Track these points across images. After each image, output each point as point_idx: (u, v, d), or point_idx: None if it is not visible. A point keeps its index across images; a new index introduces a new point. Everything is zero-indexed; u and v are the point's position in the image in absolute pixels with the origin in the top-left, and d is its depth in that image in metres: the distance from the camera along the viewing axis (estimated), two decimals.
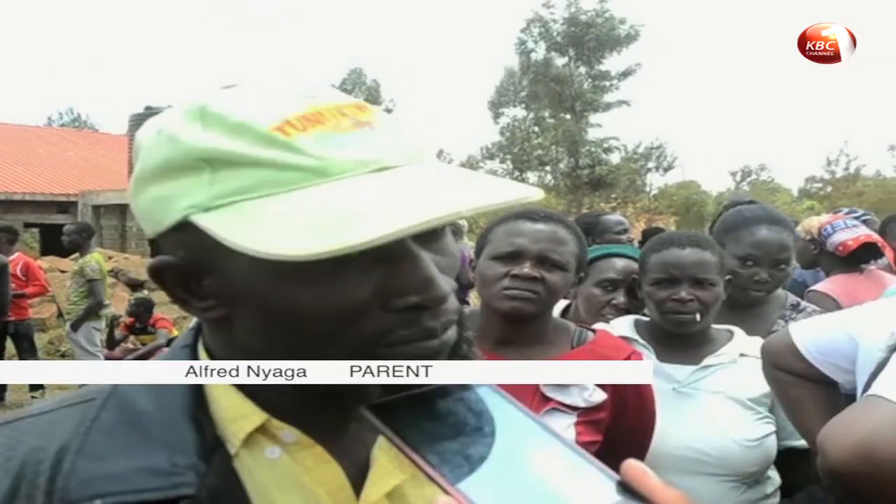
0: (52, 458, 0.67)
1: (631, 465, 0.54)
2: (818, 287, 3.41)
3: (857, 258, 3.44)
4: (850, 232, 3.48)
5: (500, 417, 0.61)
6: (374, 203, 0.59)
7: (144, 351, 8.32)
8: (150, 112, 17.72)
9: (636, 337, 2.05)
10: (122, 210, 18.54)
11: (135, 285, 12.47)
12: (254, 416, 0.70)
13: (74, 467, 0.66)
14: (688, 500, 0.53)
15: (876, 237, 3.51)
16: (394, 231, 0.55)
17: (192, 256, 0.67)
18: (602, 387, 1.66)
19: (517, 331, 1.71)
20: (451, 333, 0.68)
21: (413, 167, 0.65)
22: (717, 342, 2.03)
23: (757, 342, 2.04)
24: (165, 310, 10.18)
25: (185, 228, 0.64)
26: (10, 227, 8.41)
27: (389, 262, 0.64)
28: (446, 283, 0.67)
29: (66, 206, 19.99)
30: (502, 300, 1.66)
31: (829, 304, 3.11)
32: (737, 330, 2.09)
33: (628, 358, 1.72)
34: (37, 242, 19.73)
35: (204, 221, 0.61)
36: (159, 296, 10.41)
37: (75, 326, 7.58)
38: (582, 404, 1.63)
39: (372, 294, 0.64)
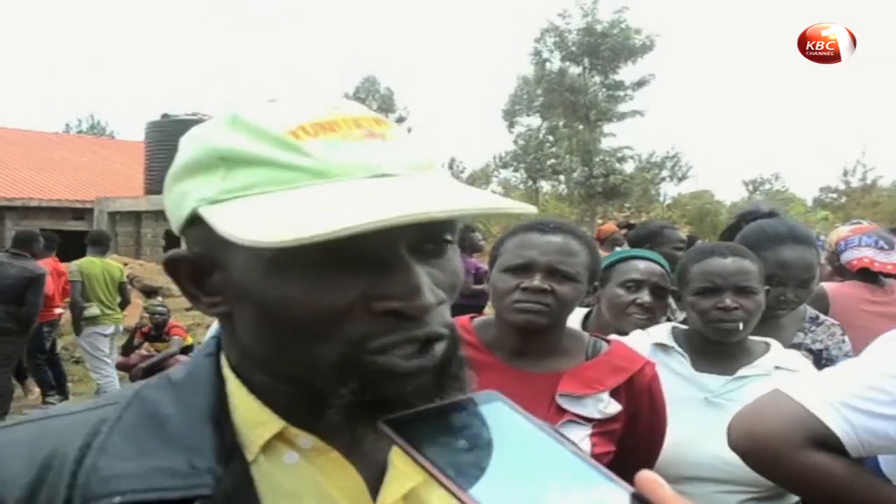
0: (76, 453, 0.69)
1: (644, 476, 0.54)
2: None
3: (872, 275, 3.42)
4: (857, 251, 3.43)
5: (514, 431, 0.61)
6: (360, 200, 0.61)
7: (159, 358, 8.39)
8: (166, 120, 17.91)
9: (673, 344, 2.06)
10: (137, 217, 18.63)
11: (149, 292, 12.52)
12: (272, 423, 0.72)
13: (96, 464, 0.68)
14: None
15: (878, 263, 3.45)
16: (350, 226, 0.56)
17: (203, 251, 0.71)
18: (617, 398, 1.67)
19: (531, 342, 1.71)
20: (440, 349, 0.68)
21: (412, 176, 0.67)
22: (754, 353, 2.03)
23: (793, 355, 2.05)
24: (180, 316, 10.24)
25: (198, 223, 0.68)
26: (33, 234, 8.53)
27: (379, 267, 0.66)
28: (433, 295, 0.67)
29: (81, 213, 20.13)
30: (514, 313, 1.67)
31: (822, 302, 3.12)
32: (773, 342, 2.08)
33: (643, 368, 1.73)
34: None
35: (205, 212, 0.66)
36: (173, 303, 10.48)
37: (76, 331, 7.87)
38: (597, 416, 1.64)
39: (357, 296, 0.66)
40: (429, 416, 0.63)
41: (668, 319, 2.87)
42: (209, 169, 0.68)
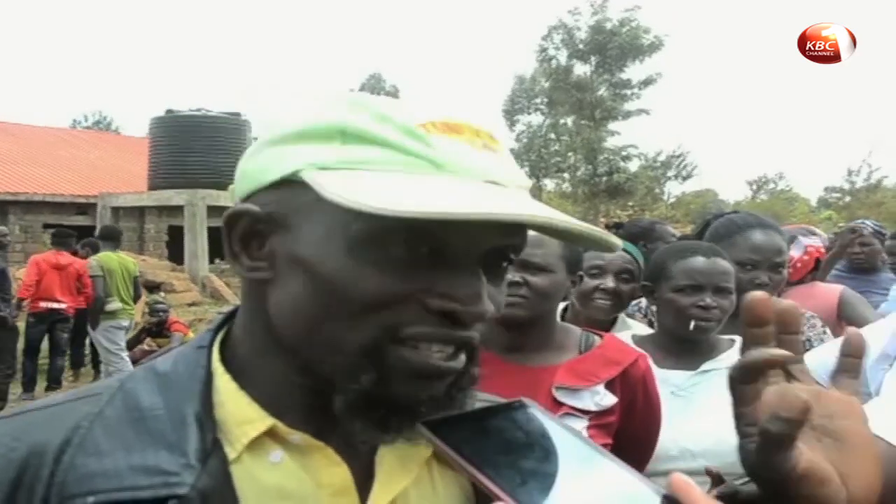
0: (55, 451, 0.68)
1: (677, 478, 0.55)
2: None
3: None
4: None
5: (546, 435, 0.62)
6: (477, 195, 0.65)
7: (159, 354, 8.41)
8: (170, 115, 17.91)
9: (632, 346, 2.08)
10: (140, 212, 18.66)
11: (152, 287, 12.54)
12: (259, 421, 0.71)
13: (73, 462, 0.67)
14: None
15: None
16: (487, 213, 0.61)
17: (276, 212, 0.70)
18: (612, 390, 1.68)
19: (522, 336, 1.73)
20: (461, 360, 0.69)
21: (519, 190, 0.70)
22: (718, 349, 2.09)
23: None
24: (181, 312, 10.26)
25: (286, 185, 0.69)
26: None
27: (449, 267, 0.67)
28: (489, 307, 0.69)
29: (85, 208, 20.16)
30: None
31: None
32: (738, 338, 2.10)
33: (636, 361, 1.75)
34: None
35: (311, 175, 0.66)
36: (175, 298, 10.51)
37: (93, 325, 7.96)
38: (593, 408, 1.65)
39: (418, 288, 0.66)
40: (464, 420, 0.64)
41: (651, 322, 2.88)
42: (324, 139, 0.68)
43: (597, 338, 1.80)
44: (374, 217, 0.61)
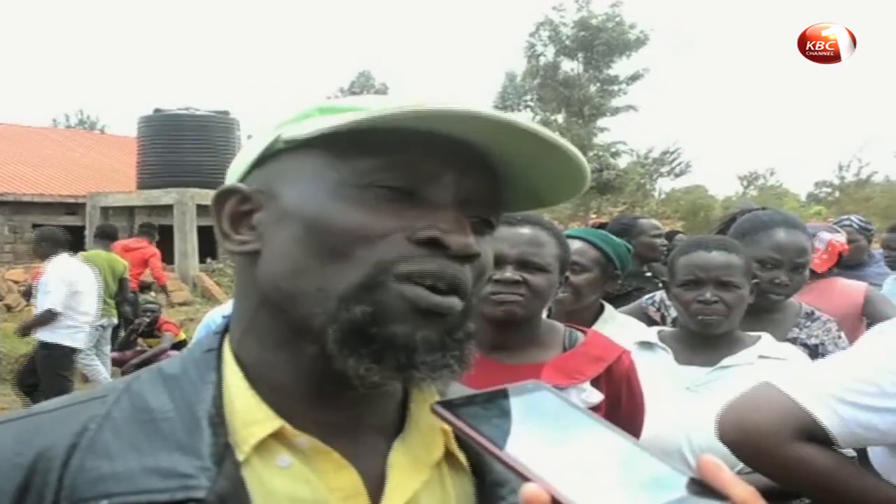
0: (63, 454, 0.67)
1: (706, 460, 0.54)
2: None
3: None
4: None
5: (564, 416, 0.62)
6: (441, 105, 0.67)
7: (150, 354, 8.40)
8: (159, 114, 17.79)
9: (656, 341, 2.11)
10: (130, 211, 18.54)
11: (143, 287, 12.47)
12: (268, 422, 0.69)
13: (83, 465, 0.66)
14: (758, 495, 0.53)
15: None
16: (413, 110, 0.65)
17: (261, 188, 0.74)
18: (597, 387, 1.68)
19: (509, 334, 1.73)
20: (458, 305, 0.70)
21: None
22: (742, 345, 2.06)
23: (784, 346, 2.09)
24: (172, 312, 10.21)
25: (269, 161, 0.74)
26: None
27: (432, 208, 0.70)
28: (477, 248, 0.71)
29: (74, 208, 20.00)
30: (490, 305, 1.68)
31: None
32: (765, 335, 2.11)
33: (620, 357, 1.75)
34: None
35: (291, 129, 0.72)
36: (164, 298, 10.46)
37: None
38: (580, 406, 1.65)
39: (404, 224, 0.69)
40: (478, 401, 0.64)
41: (663, 317, 2.89)
42: (302, 118, 0.74)
43: (580, 334, 1.80)
44: (352, 157, 0.68)
